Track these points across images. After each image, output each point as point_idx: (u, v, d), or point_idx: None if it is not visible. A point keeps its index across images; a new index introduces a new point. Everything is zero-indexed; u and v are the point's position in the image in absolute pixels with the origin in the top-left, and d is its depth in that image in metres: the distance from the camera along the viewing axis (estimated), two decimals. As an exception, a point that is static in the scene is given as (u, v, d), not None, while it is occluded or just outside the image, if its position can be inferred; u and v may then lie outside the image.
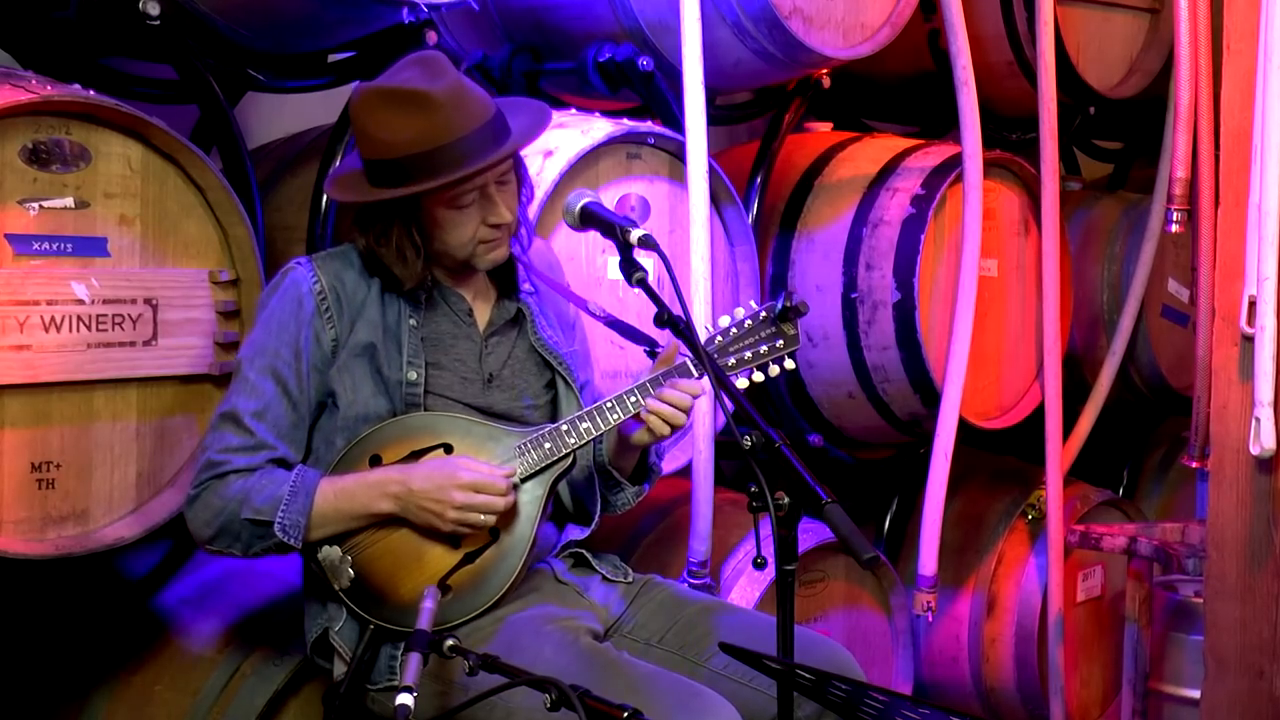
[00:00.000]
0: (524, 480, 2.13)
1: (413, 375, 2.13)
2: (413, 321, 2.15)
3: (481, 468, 2.08)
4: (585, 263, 2.69)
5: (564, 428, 2.13)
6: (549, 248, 2.41)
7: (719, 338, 2.21)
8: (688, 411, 2.13)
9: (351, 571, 2.08)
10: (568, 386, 2.26)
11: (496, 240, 2.14)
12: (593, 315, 2.27)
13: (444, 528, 2.07)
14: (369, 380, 2.12)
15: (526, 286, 2.27)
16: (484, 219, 2.10)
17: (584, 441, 2.13)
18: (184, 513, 2.11)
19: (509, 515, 2.12)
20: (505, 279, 2.25)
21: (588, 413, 2.14)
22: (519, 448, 2.13)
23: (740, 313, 2.23)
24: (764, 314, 2.21)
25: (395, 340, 2.14)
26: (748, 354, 2.20)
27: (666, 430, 2.13)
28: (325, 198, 2.58)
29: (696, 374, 2.15)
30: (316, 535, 2.07)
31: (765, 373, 2.22)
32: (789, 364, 2.23)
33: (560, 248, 2.58)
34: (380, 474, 2.08)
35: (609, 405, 2.13)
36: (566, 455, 2.14)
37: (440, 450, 2.12)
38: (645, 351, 2.28)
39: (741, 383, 2.20)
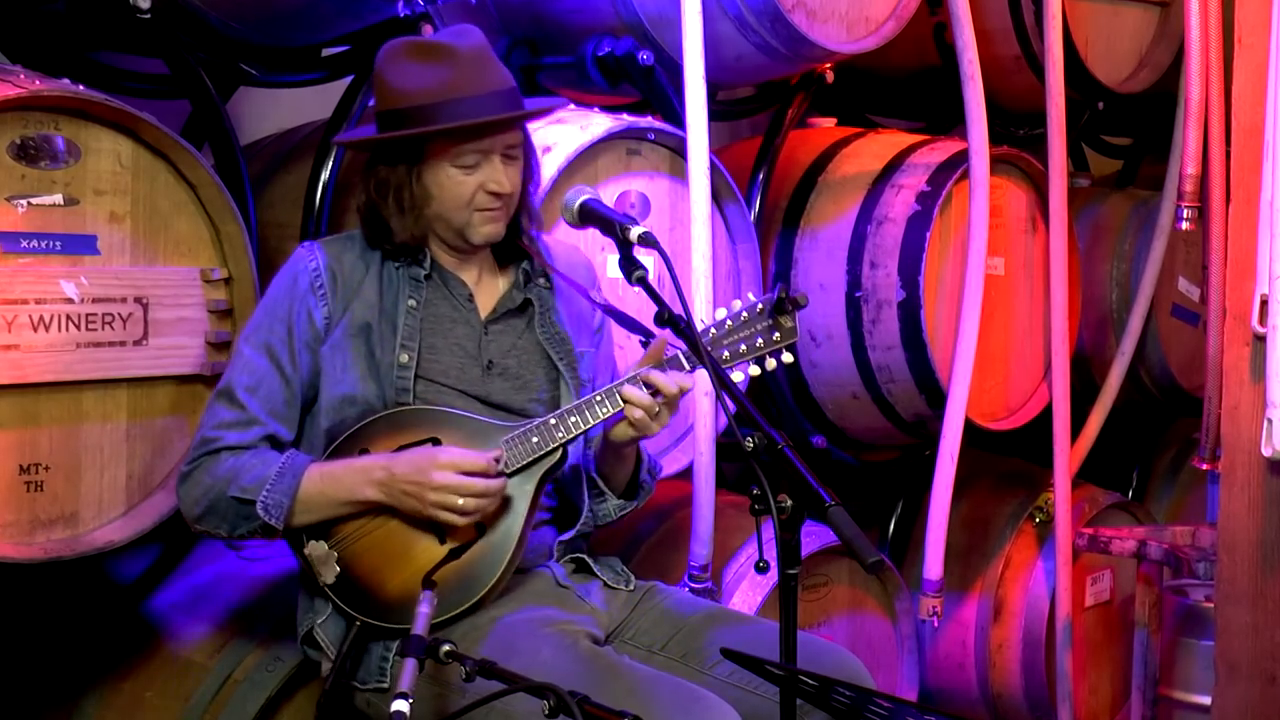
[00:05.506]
0: (511, 474, 2.10)
1: (404, 358, 2.12)
2: (412, 303, 2.15)
3: (466, 451, 2.06)
4: (584, 260, 2.66)
5: (552, 421, 2.11)
6: (578, 249, 2.40)
7: (714, 330, 2.16)
8: (673, 402, 2.09)
9: (338, 567, 2.08)
10: (567, 384, 2.23)
11: (494, 212, 2.14)
12: (592, 303, 2.25)
13: (425, 511, 2.05)
14: (361, 361, 2.12)
15: (542, 281, 2.25)
16: (484, 185, 2.11)
17: (572, 435, 2.11)
18: (177, 490, 2.12)
19: (497, 511, 2.09)
20: (515, 267, 2.24)
21: (576, 407, 2.11)
22: (506, 442, 2.11)
23: (737, 305, 2.19)
24: (760, 306, 2.17)
25: (391, 322, 2.14)
26: (743, 347, 2.16)
27: (649, 425, 2.08)
28: (319, 195, 2.58)
29: (689, 367, 2.11)
30: (300, 520, 2.07)
31: (762, 366, 2.18)
32: (787, 357, 2.19)
33: (558, 245, 2.55)
34: (366, 460, 2.08)
35: (598, 399, 2.10)
36: (554, 449, 2.11)
37: (428, 443, 2.10)
38: (640, 342, 2.24)
39: (737, 376, 2.16)
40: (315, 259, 2.15)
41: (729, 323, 2.17)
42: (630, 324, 2.23)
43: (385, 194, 2.13)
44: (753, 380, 3.03)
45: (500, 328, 2.21)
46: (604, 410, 2.10)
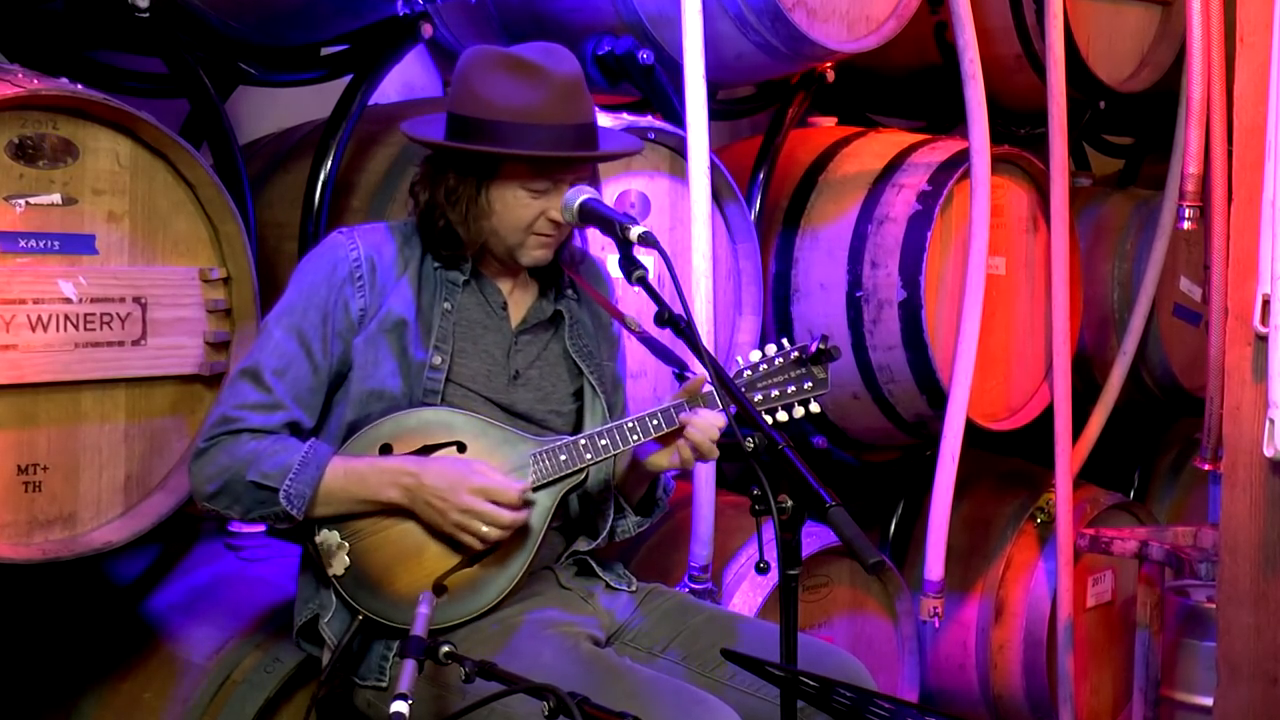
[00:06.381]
0: (535, 490, 2.10)
1: (437, 360, 2.11)
2: (447, 305, 2.14)
3: (497, 477, 2.05)
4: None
5: (582, 442, 2.11)
6: (603, 265, 2.40)
7: (748, 372, 2.19)
8: (715, 443, 2.12)
9: (348, 559, 2.07)
10: (594, 394, 2.24)
11: (549, 239, 2.13)
12: (628, 330, 2.25)
13: (445, 527, 2.04)
14: (391, 358, 2.10)
15: (570, 292, 2.25)
16: (546, 212, 2.10)
17: (601, 458, 2.12)
18: (189, 465, 2.09)
19: None
20: (547, 279, 2.24)
21: (608, 430, 2.12)
22: (534, 456, 2.11)
23: (772, 350, 2.21)
24: (796, 354, 2.20)
25: (427, 322, 2.12)
26: (775, 392, 2.19)
27: (692, 461, 2.13)
28: (318, 194, 2.57)
29: (721, 406, 2.12)
30: (319, 512, 2.05)
31: (790, 414, 2.20)
32: (814, 407, 2.21)
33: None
34: (394, 462, 2.06)
35: (630, 425, 2.12)
36: (581, 470, 2.12)
37: (453, 448, 2.09)
38: (674, 374, 2.26)
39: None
40: (356, 248, 2.12)
41: (763, 366, 2.19)
42: (665, 354, 2.23)
43: (456, 203, 2.10)
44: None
45: (529, 338, 2.21)
46: (635, 438, 2.11)
